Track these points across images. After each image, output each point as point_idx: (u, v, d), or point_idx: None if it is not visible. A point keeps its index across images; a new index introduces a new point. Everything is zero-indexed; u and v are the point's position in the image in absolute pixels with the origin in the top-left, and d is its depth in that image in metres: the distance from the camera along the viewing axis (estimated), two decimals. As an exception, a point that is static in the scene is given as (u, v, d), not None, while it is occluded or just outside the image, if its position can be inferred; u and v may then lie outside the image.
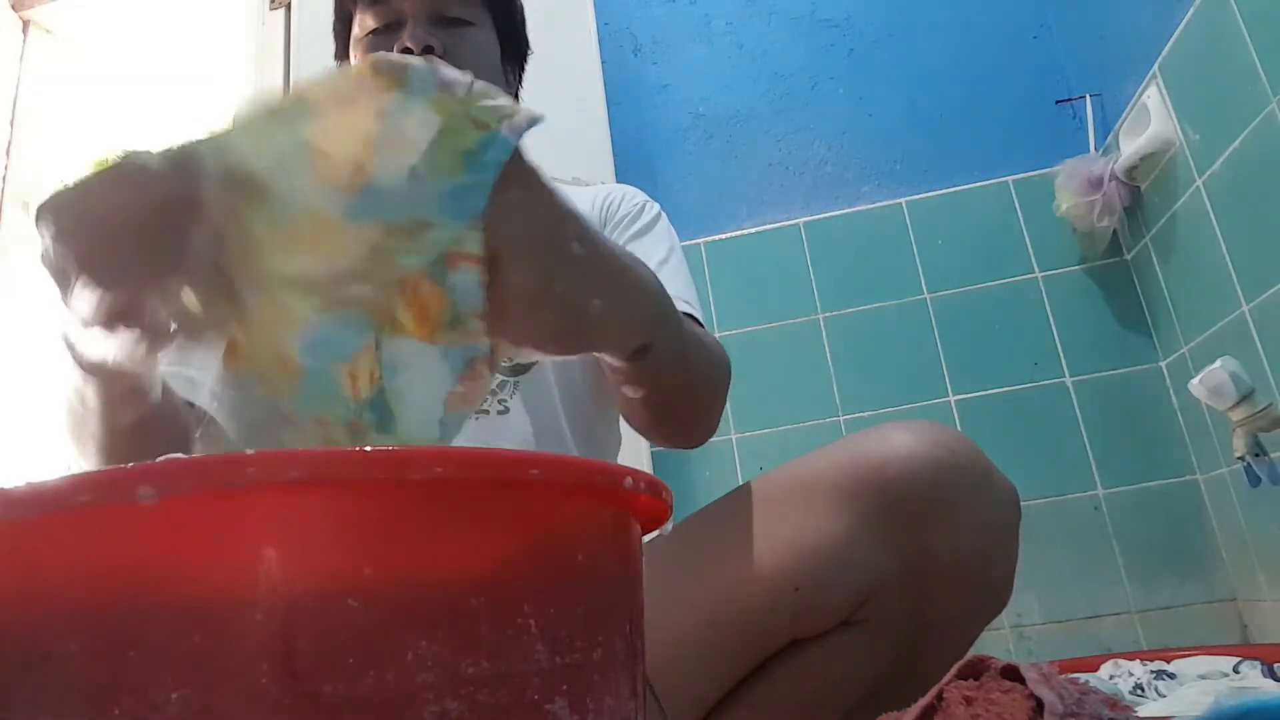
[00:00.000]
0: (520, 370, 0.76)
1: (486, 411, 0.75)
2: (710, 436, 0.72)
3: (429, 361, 0.37)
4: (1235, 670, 1.14)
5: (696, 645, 0.62)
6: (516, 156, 0.39)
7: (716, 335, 1.79)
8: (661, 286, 0.54)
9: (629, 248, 0.83)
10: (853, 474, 0.61)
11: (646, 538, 0.36)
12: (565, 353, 0.44)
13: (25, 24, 2.13)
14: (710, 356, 0.67)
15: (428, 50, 0.82)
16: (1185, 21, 1.34)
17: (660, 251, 0.84)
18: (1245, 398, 1.20)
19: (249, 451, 0.24)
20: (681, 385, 0.61)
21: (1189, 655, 1.25)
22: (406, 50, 0.82)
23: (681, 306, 0.77)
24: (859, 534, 0.60)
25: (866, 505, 0.60)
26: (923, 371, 1.68)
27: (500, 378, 0.76)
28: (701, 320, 0.80)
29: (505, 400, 0.76)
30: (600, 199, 0.89)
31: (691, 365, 0.61)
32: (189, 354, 0.42)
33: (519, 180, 0.40)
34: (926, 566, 0.61)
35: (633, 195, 0.90)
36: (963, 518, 0.60)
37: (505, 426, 0.75)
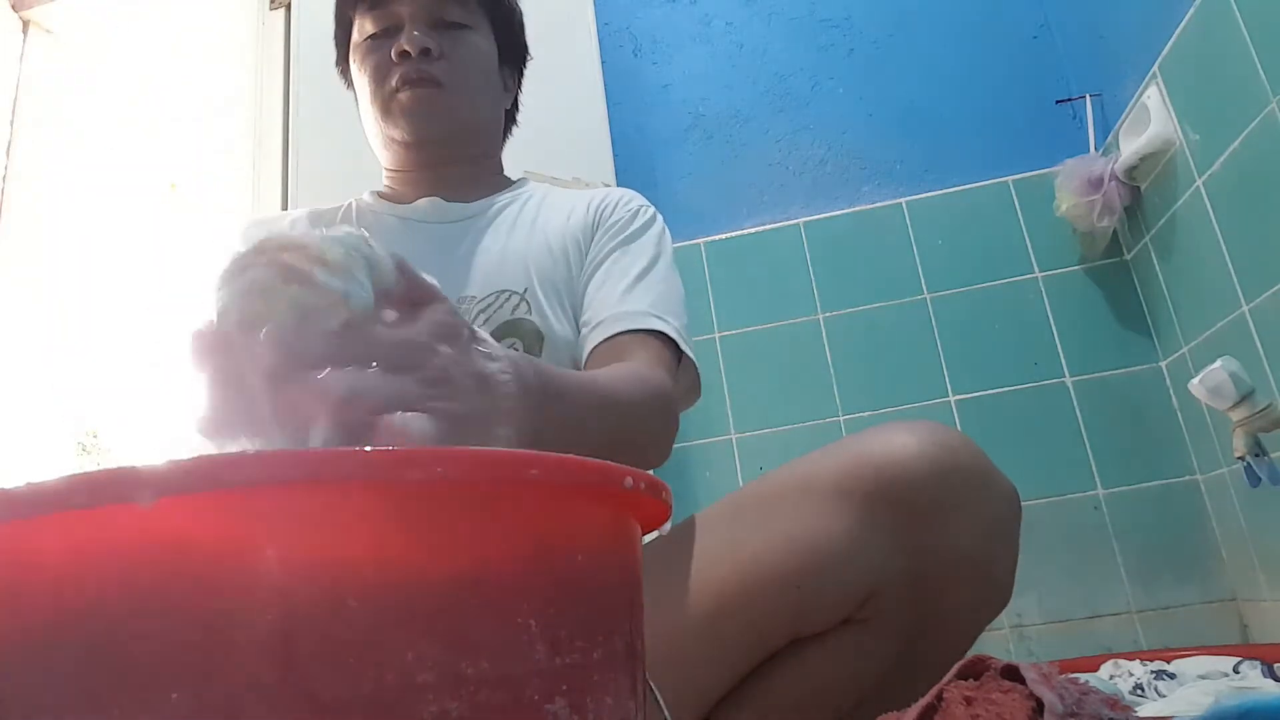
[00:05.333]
0: None
1: None
2: (653, 465, 0.71)
3: None
4: (1235, 670, 1.14)
5: (698, 644, 0.62)
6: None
7: (716, 335, 1.79)
8: (544, 383, 0.49)
9: (610, 258, 0.83)
10: (854, 474, 0.61)
11: (646, 538, 0.36)
12: None
13: (25, 24, 2.13)
14: (618, 419, 0.62)
15: (425, 52, 0.82)
16: (1185, 21, 1.34)
17: (640, 263, 0.83)
18: (1245, 398, 1.20)
19: (249, 452, 0.24)
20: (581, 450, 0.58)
21: (1189, 655, 1.25)
22: (404, 53, 0.82)
23: (647, 322, 0.77)
24: (860, 533, 0.60)
25: (868, 505, 0.60)
26: (923, 371, 1.68)
27: None
28: (675, 333, 0.77)
29: None
30: (596, 202, 0.89)
31: (590, 435, 0.57)
32: None
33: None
34: (927, 566, 0.61)
35: (628, 201, 0.90)
36: (964, 518, 0.60)
37: None
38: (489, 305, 0.80)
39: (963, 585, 0.62)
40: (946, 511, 0.60)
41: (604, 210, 0.88)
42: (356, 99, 0.91)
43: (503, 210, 0.89)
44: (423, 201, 0.88)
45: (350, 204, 0.93)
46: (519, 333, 0.79)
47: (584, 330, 0.80)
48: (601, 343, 0.77)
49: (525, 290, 0.81)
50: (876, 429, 0.65)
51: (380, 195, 0.93)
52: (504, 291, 0.81)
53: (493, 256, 0.83)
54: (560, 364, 0.80)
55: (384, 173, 0.94)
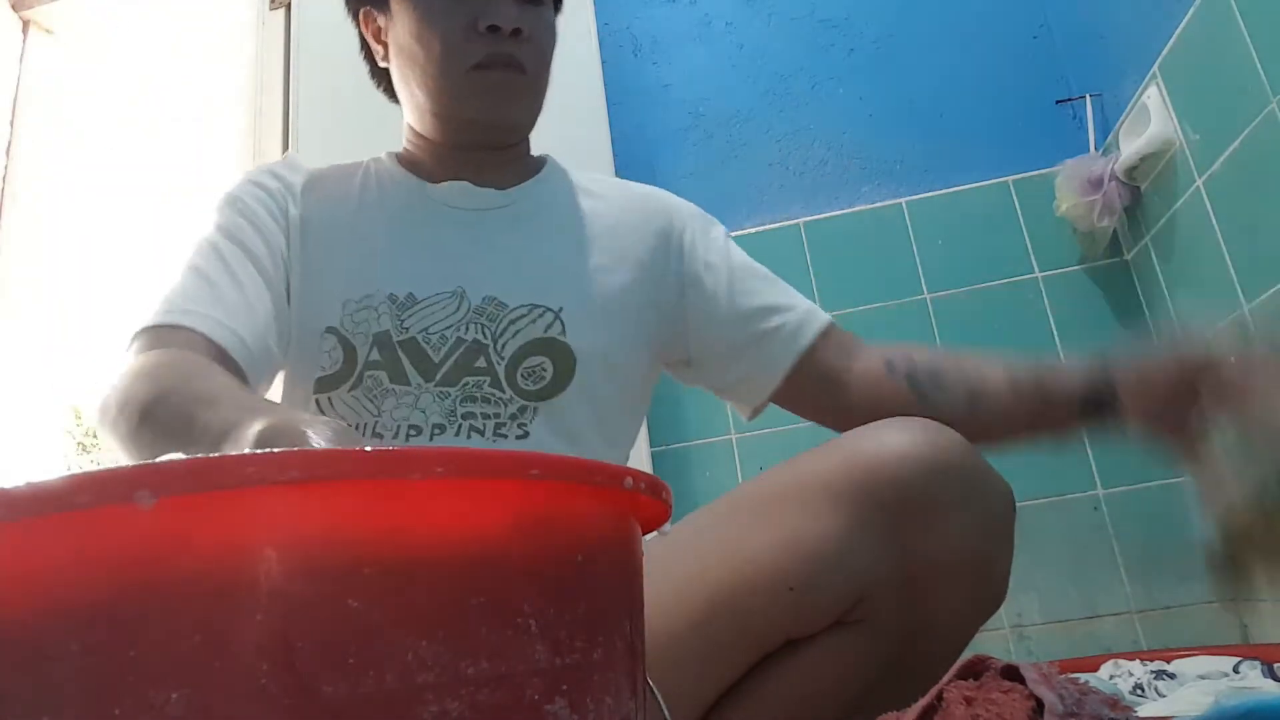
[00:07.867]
0: (544, 395, 0.75)
1: (505, 435, 0.74)
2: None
3: None
4: (1235, 670, 1.14)
5: (693, 645, 0.62)
6: None
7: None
8: None
9: (742, 287, 0.87)
10: (847, 474, 0.61)
11: (646, 538, 0.36)
12: None
13: (25, 24, 2.13)
14: None
15: (516, 33, 0.77)
16: (1185, 21, 1.34)
17: (761, 268, 0.93)
18: (1245, 398, 1.20)
19: (248, 451, 0.24)
20: None
21: (1189, 655, 1.25)
22: (493, 28, 0.76)
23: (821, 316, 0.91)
24: (854, 534, 0.60)
25: (861, 505, 0.60)
26: (923, 371, 1.68)
27: (521, 402, 0.75)
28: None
29: (525, 424, 0.74)
30: (659, 221, 0.87)
31: None
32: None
33: None
34: (921, 566, 0.60)
35: (698, 220, 0.89)
36: (957, 518, 0.60)
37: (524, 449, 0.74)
38: (520, 318, 0.77)
39: (957, 586, 0.61)
40: (939, 511, 0.60)
41: (686, 239, 0.87)
42: (387, 48, 0.83)
43: (536, 203, 0.85)
44: (453, 184, 0.83)
45: (367, 164, 0.87)
46: (550, 352, 0.76)
47: (773, 322, 0.88)
48: (818, 338, 0.90)
49: (561, 310, 0.77)
50: (869, 427, 0.64)
51: (400, 160, 0.87)
52: (538, 307, 0.77)
53: (530, 264, 0.80)
54: (592, 381, 0.77)
55: (409, 136, 0.87)
